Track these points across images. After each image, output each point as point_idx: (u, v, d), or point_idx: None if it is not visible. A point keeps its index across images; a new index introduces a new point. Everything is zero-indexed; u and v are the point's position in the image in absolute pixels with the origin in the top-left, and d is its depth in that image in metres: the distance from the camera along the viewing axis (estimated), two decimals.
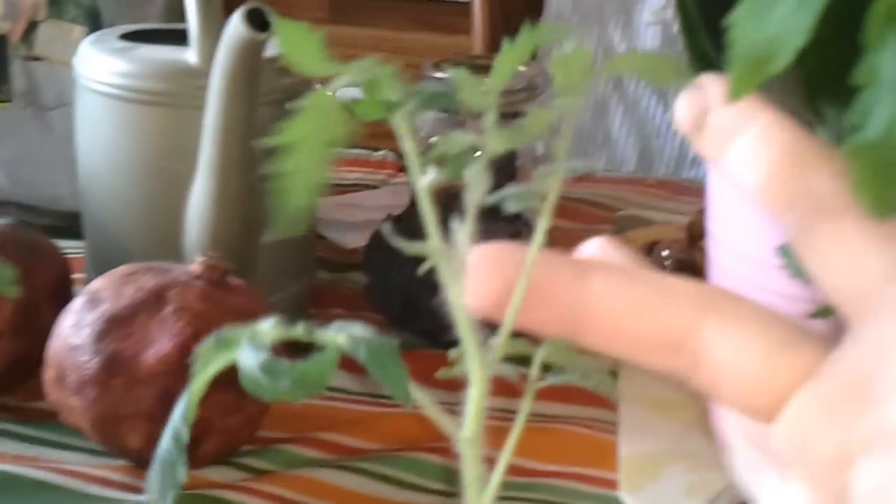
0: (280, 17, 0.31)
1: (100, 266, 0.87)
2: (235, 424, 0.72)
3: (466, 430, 0.36)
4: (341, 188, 1.27)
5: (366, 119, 0.34)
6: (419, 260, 0.93)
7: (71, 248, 0.94)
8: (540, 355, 0.41)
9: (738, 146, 0.30)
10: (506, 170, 0.94)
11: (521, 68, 0.94)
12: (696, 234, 1.02)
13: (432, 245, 0.34)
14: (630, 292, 0.30)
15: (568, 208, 1.19)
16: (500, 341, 0.36)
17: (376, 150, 1.39)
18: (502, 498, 0.75)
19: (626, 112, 1.45)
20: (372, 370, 0.32)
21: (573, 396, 0.86)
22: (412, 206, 0.96)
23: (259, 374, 0.31)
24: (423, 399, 0.35)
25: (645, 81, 1.44)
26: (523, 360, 0.38)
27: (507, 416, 0.38)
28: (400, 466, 0.76)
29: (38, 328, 0.80)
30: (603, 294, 0.29)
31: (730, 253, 0.73)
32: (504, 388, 0.39)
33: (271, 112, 0.82)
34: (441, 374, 0.37)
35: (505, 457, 0.39)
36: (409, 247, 0.34)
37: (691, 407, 0.85)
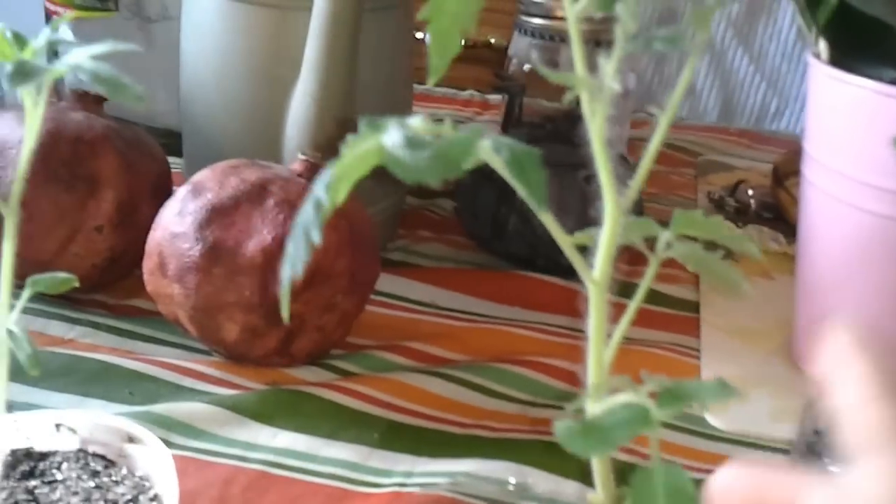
0: None
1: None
2: (330, 323, 0.73)
3: (596, 271, 0.37)
4: None
5: None
6: (507, 183, 0.93)
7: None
8: (664, 237, 0.42)
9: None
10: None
11: None
12: (781, 175, 1.02)
13: (579, 76, 0.34)
14: None
15: None
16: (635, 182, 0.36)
17: (463, 90, 1.40)
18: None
19: (711, 63, 1.44)
20: (512, 172, 0.32)
21: (655, 321, 0.86)
22: (501, 130, 0.97)
23: (402, 148, 0.31)
24: (552, 223, 0.35)
25: (732, 33, 1.44)
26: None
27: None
28: (487, 376, 0.77)
29: (138, 224, 0.81)
30: None
31: (828, 173, 0.73)
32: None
33: (376, 19, 0.83)
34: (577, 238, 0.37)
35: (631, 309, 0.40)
36: (554, 75, 0.34)
37: (774, 336, 0.85)
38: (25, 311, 0.81)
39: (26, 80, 0.38)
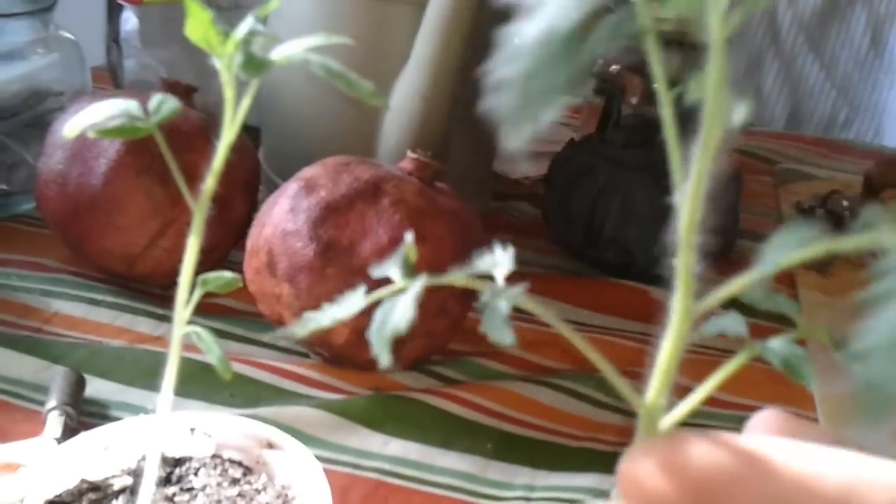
0: None
1: (281, 170, 0.86)
2: (439, 328, 0.70)
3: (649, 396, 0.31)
4: None
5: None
6: (604, 187, 0.90)
7: None
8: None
9: None
10: None
11: None
12: (876, 186, 1.00)
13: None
14: None
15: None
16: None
17: None
18: (702, 425, 0.73)
19: (780, 69, 1.41)
20: None
21: (757, 335, 0.84)
22: (597, 132, 0.94)
23: None
24: None
25: (803, 38, 1.41)
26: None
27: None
28: (594, 386, 0.74)
29: (229, 221, 0.78)
30: None
31: None
32: None
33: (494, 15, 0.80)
34: None
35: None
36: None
37: None
38: (111, 306, 0.79)
39: (258, 72, 0.35)
